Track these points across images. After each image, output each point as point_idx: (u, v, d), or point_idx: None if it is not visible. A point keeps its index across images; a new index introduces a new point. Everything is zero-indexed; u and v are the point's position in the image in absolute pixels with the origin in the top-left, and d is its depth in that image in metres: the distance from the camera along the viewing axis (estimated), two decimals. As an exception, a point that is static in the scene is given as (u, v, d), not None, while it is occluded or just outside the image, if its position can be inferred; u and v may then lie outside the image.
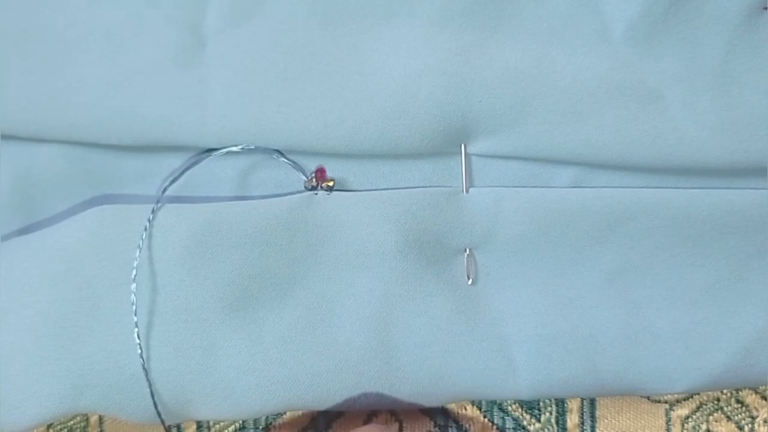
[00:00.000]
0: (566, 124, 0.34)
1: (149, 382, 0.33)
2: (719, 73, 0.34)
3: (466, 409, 0.40)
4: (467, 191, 0.35)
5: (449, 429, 0.40)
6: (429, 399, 0.35)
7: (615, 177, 0.35)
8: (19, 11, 0.34)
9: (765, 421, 0.40)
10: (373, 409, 0.39)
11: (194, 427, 0.39)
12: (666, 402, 0.40)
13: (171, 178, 0.34)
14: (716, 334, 0.35)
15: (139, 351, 0.33)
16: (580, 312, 0.35)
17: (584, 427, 0.40)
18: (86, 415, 0.38)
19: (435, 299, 0.35)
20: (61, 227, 0.34)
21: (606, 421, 0.40)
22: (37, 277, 0.33)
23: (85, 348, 0.33)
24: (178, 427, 0.39)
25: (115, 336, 0.33)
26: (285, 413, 0.39)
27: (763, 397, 0.40)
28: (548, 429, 0.40)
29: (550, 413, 0.40)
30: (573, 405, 0.40)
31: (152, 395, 0.33)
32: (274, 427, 0.39)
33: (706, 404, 0.40)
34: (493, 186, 0.35)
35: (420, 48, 0.34)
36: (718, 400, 0.40)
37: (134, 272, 0.33)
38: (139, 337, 0.33)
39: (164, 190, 0.34)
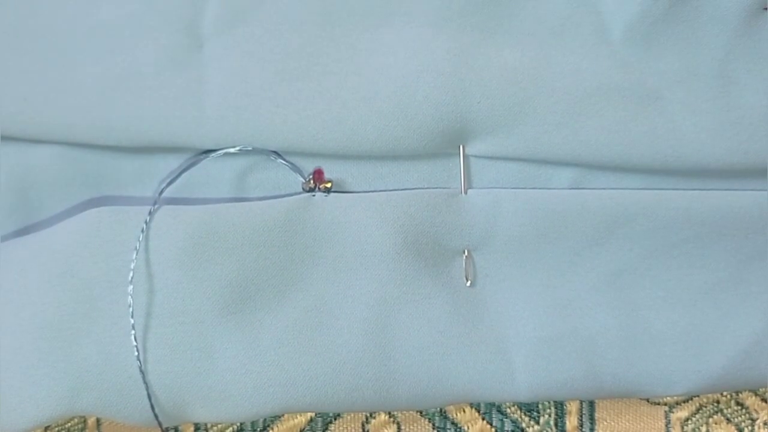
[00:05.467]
0: (565, 125, 0.34)
1: (146, 384, 0.33)
2: (719, 74, 0.34)
3: (464, 411, 0.40)
4: (466, 193, 0.35)
5: (447, 431, 0.40)
6: (427, 401, 0.35)
7: (614, 178, 0.35)
8: (15, 12, 0.34)
9: (765, 424, 0.40)
10: (370, 411, 0.39)
11: (192, 429, 0.39)
12: (665, 404, 0.40)
13: (168, 180, 0.34)
14: (716, 336, 0.35)
15: (136, 353, 0.33)
16: (578, 314, 0.35)
17: (583, 429, 0.40)
18: (84, 417, 0.38)
19: (433, 301, 0.34)
20: (58, 229, 0.34)
21: (605, 423, 0.40)
22: (35, 278, 0.33)
23: (83, 350, 0.33)
24: (176, 429, 0.39)
25: (112, 338, 0.33)
26: (283, 415, 0.39)
27: (763, 399, 0.40)
28: (547, 431, 0.40)
29: (549, 415, 0.40)
30: (572, 407, 0.40)
31: (149, 397, 0.33)
32: (272, 429, 0.39)
33: (705, 406, 0.40)
34: (491, 187, 0.35)
35: (418, 49, 0.33)
36: (718, 402, 0.40)
37: (131, 274, 0.33)
38: (136, 339, 0.32)
39: (161, 192, 0.34)
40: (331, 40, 0.34)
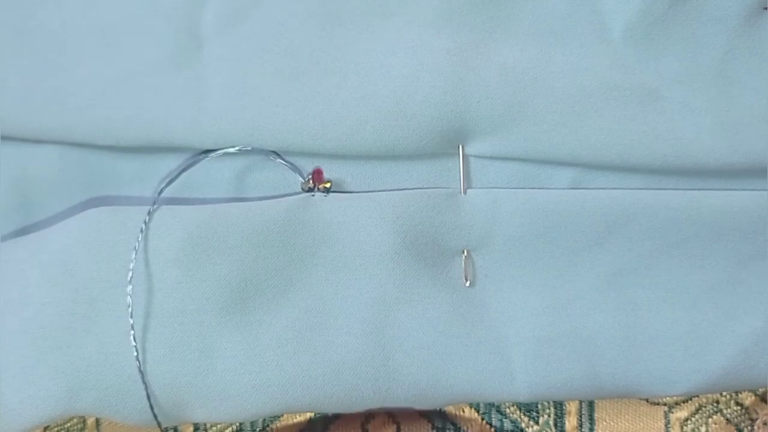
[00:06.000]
0: (564, 125, 0.33)
1: (145, 384, 0.33)
2: (718, 74, 0.34)
3: (464, 411, 0.40)
4: (465, 192, 0.35)
5: (447, 431, 0.40)
6: (427, 401, 0.35)
7: (613, 178, 0.35)
8: (15, 11, 0.34)
9: (765, 423, 0.40)
10: (370, 411, 0.39)
11: (191, 429, 0.39)
12: (665, 404, 0.40)
13: (168, 180, 0.34)
14: (715, 336, 0.35)
15: (136, 353, 0.32)
16: (578, 314, 0.35)
17: (582, 430, 0.40)
18: (83, 417, 0.38)
19: (432, 301, 0.34)
20: (57, 229, 0.34)
21: (604, 423, 0.40)
22: (34, 278, 0.33)
23: (82, 350, 0.33)
24: (175, 429, 0.39)
25: (111, 338, 0.33)
26: (282, 416, 0.39)
27: (763, 400, 0.40)
28: (546, 431, 0.40)
29: (549, 415, 0.40)
30: (571, 407, 0.40)
31: (148, 397, 0.33)
32: (271, 429, 0.39)
33: (705, 406, 0.40)
34: (491, 187, 0.35)
35: (417, 48, 0.33)
36: (718, 402, 0.40)
37: (130, 274, 0.33)
38: (135, 339, 0.32)
39: (161, 192, 0.34)
40: (330, 40, 0.34)
